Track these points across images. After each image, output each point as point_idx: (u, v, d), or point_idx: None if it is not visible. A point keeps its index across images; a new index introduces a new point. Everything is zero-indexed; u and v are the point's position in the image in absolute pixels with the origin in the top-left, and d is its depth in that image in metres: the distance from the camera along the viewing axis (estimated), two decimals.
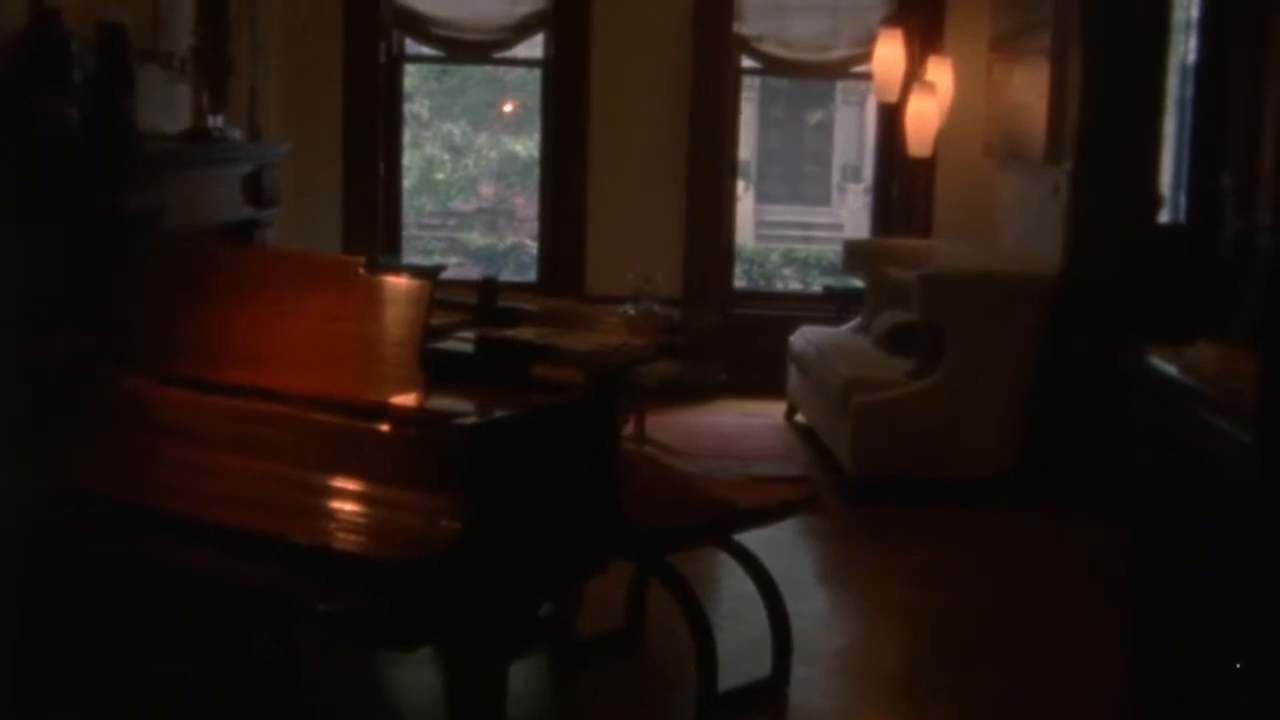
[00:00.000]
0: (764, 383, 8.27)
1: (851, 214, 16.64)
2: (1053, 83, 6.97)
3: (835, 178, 17.90)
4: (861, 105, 17.02)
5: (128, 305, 3.39)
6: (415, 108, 13.43)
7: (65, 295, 3.56)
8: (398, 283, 3.20)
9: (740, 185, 15.96)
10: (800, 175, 18.41)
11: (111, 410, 3.23)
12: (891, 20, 8.37)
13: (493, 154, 13.55)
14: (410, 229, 13.04)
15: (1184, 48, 6.86)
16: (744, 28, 8.62)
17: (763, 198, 17.46)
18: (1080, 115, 6.60)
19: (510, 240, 12.59)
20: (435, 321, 3.43)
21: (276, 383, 3.13)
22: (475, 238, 12.79)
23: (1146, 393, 4.58)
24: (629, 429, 6.84)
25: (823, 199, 18.06)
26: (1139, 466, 4.78)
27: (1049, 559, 5.88)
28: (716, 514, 4.16)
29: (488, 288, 3.55)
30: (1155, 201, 6.49)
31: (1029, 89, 7.35)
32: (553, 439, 3.08)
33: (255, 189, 6.08)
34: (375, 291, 3.19)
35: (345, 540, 2.80)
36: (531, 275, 9.29)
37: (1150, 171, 6.46)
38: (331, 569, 2.78)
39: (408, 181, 12.55)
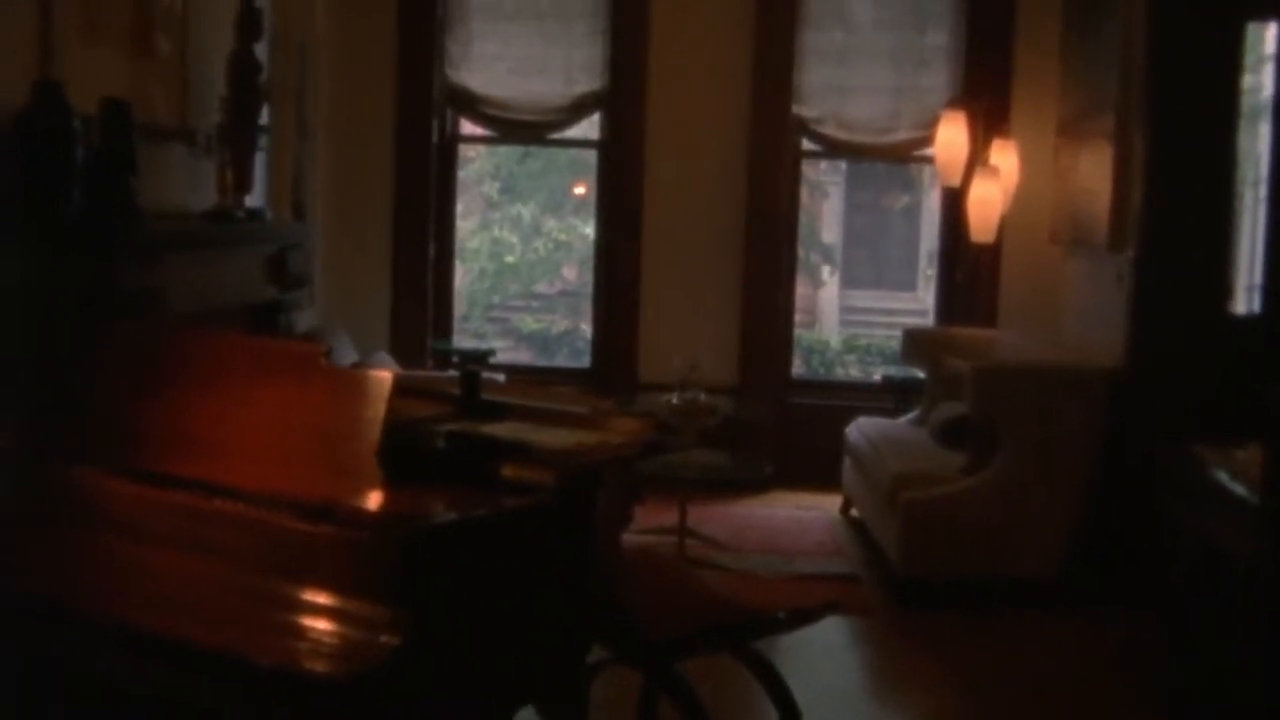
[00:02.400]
0: (820, 474, 8.00)
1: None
2: (1116, 166, 6.68)
3: (921, 263, 17.63)
4: None
5: (85, 390, 3.22)
6: (485, 190, 13.38)
7: (27, 381, 3.40)
8: (358, 375, 3.01)
9: (826, 270, 15.83)
10: (886, 260, 18.18)
11: (51, 502, 3.05)
12: (955, 102, 8.14)
13: (563, 236, 13.44)
14: (497, 311, 12.99)
15: (1257, 132, 6.60)
16: (803, 109, 8.42)
17: (848, 283, 17.23)
18: (1144, 200, 6.30)
19: (565, 325, 12.42)
20: (414, 415, 3.22)
21: (229, 477, 2.92)
22: (529, 322, 12.64)
23: (1190, 494, 4.30)
24: (667, 520, 6.58)
25: (909, 284, 17.79)
26: (1179, 568, 4.49)
27: (1102, 668, 5.55)
28: (728, 619, 3.89)
29: (470, 380, 3.33)
30: (1226, 291, 6.18)
31: (1093, 173, 7.07)
32: (514, 545, 2.84)
33: (280, 270, 5.93)
34: (335, 383, 2.98)
35: (268, 651, 2.57)
36: (585, 361, 9.08)
37: (1220, 259, 6.15)
38: (251, 683, 2.56)
39: (480, 264, 12.52)
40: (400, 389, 3.02)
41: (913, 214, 17.67)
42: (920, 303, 17.08)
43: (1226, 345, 6.16)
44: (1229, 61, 6.18)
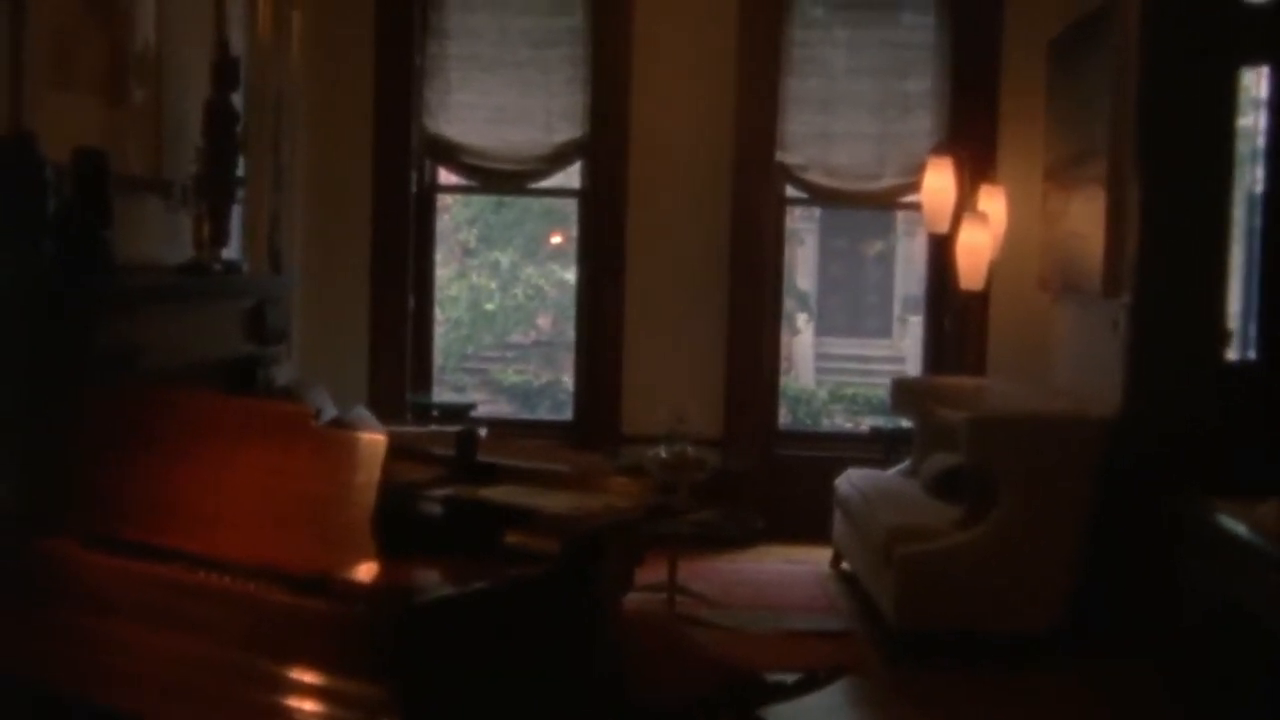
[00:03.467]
0: (809, 528, 7.83)
1: (912, 347, 16.29)
2: (1109, 212, 6.58)
3: (896, 309, 17.60)
4: (923, 235, 16.74)
5: (57, 455, 3.04)
6: (462, 237, 13.26)
7: None
8: (351, 438, 2.84)
9: (802, 318, 15.73)
10: (861, 307, 18.14)
11: (19, 576, 2.87)
12: (940, 148, 8.04)
13: (544, 283, 13.30)
14: (472, 361, 12.83)
15: (1250, 178, 6.52)
16: (787, 156, 8.31)
17: (823, 330, 17.17)
18: (1140, 245, 6.19)
19: (546, 377, 12.26)
20: (406, 479, 3.06)
21: (212, 547, 2.76)
22: (510, 374, 12.48)
23: (1206, 549, 4.17)
24: (656, 577, 6.41)
25: (884, 331, 17.76)
26: (1190, 623, 4.35)
27: None
28: (734, 685, 3.73)
29: (466, 440, 3.17)
30: (1223, 337, 6.07)
31: (1085, 218, 6.97)
32: (517, 618, 2.68)
33: (258, 324, 5.76)
34: (325, 447, 2.82)
35: None
36: (568, 413, 8.91)
37: (1217, 305, 6.04)
38: None
39: (457, 313, 12.36)
40: (393, 450, 2.86)
41: (887, 260, 17.65)
42: (896, 349, 17.06)
43: (1224, 393, 6.04)
44: (1223, 105, 6.08)
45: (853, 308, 18.17)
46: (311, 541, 2.71)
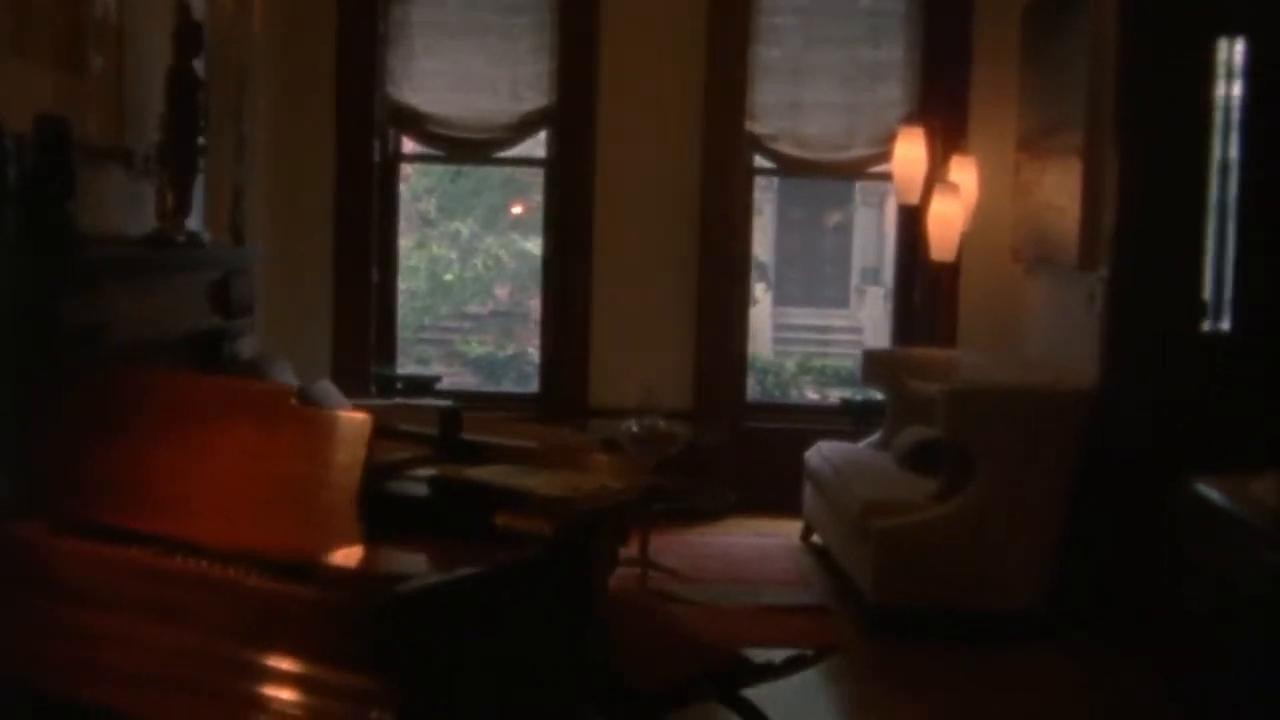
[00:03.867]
0: (778, 500, 7.77)
1: (871, 317, 16.31)
2: (1086, 183, 6.51)
3: (854, 280, 17.58)
4: (881, 206, 16.77)
5: (28, 437, 2.92)
6: (422, 207, 13.10)
7: None
8: (335, 418, 2.73)
9: (760, 288, 15.66)
10: (819, 278, 18.10)
11: None
12: (912, 118, 7.96)
13: (504, 254, 13.17)
14: (427, 332, 12.68)
15: (1219, 149, 6.45)
16: (757, 126, 8.21)
17: (780, 300, 17.11)
18: (1117, 217, 6.13)
19: (511, 349, 12.14)
20: (389, 457, 2.96)
21: (192, 532, 2.65)
22: (475, 346, 12.34)
23: (1201, 529, 4.11)
24: (632, 551, 6.32)
25: (841, 302, 17.73)
26: (1191, 606, 4.30)
27: (1083, 705, 5.35)
28: (720, 666, 3.65)
29: (450, 418, 3.07)
30: (1202, 308, 6.02)
31: (1060, 190, 6.90)
32: (510, 602, 2.59)
33: (223, 297, 5.63)
34: (309, 427, 2.72)
35: None
36: (533, 386, 8.81)
37: (1194, 276, 5.99)
38: None
39: (415, 283, 12.20)
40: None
41: (845, 231, 17.61)
42: (854, 319, 17.02)
43: (1202, 364, 5.99)
44: (1201, 76, 6.02)
45: (810, 278, 18.11)
46: (294, 525, 2.61)
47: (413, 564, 2.53)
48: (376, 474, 2.74)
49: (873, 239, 17.29)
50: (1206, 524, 3.85)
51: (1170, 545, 4.48)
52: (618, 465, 2.95)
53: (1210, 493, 3.84)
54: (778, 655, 3.79)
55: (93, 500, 2.80)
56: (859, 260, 17.53)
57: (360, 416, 2.66)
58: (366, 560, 2.52)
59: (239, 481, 2.71)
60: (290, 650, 2.45)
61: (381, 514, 2.67)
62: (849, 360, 11.15)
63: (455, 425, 3.07)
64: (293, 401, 2.76)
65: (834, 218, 17.90)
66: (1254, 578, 3.50)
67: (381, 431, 3.07)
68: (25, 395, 3.19)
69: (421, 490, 2.81)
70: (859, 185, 15.16)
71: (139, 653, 2.57)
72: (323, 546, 2.54)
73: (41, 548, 2.75)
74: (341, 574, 2.48)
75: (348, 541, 2.55)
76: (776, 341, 16.00)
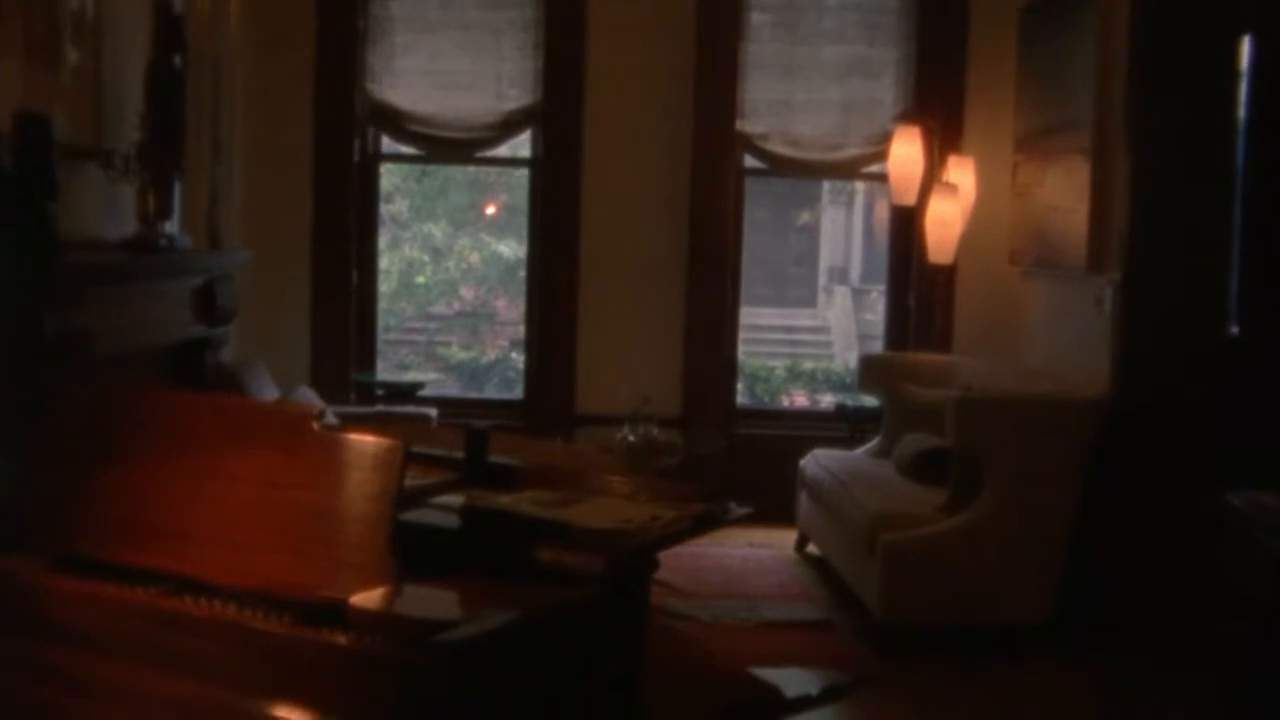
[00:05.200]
0: (771, 509, 7.49)
1: (838, 316, 16.18)
2: (1094, 184, 6.33)
3: (822, 279, 17.46)
4: (849, 206, 16.64)
5: (17, 461, 2.67)
6: (394, 208, 12.86)
7: None
8: (362, 443, 2.48)
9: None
10: (786, 277, 17.95)
11: None
12: (907, 117, 7.76)
13: (474, 256, 12.94)
14: (392, 334, 12.42)
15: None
16: (748, 125, 7.99)
17: (747, 300, 16.93)
18: (1131, 219, 5.94)
19: (494, 353, 11.89)
20: (410, 482, 2.72)
21: (202, 570, 2.41)
22: (456, 350, 12.09)
23: (1248, 543, 3.92)
24: None
25: (809, 301, 17.59)
26: (1240, 625, 4.12)
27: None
28: (756, 699, 3.43)
29: (477, 440, 2.83)
30: (1222, 313, 5.83)
31: (1064, 191, 6.71)
32: (562, 649, 2.36)
33: (207, 304, 5.37)
34: (333, 453, 2.47)
35: None
36: (518, 392, 8.56)
37: (1216, 279, 5.81)
38: None
39: (386, 286, 11.94)
40: None
41: (812, 231, 17.47)
42: (820, 318, 16.89)
43: (1224, 371, 5.80)
44: (1224, 74, 5.83)
45: (777, 277, 17.96)
46: (319, 562, 2.37)
47: (452, 607, 2.29)
48: (403, 501, 2.50)
49: (841, 239, 17.18)
50: (1243, 538, 3.68)
51: (1201, 559, 4.31)
52: (663, 491, 2.72)
53: (1246, 505, 3.67)
54: (813, 685, 3.58)
55: (89, 533, 2.56)
56: (826, 260, 17.41)
57: (390, 442, 2.42)
58: (402, 603, 2.28)
59: (255, 513, 2.47)
60: (314, 706, 2.21)
61: (404, 547, 2.43)
62: (822, 363, 10.98)
63: (483, 447, 2.83)
64: (315, 425, 2.52)
65: (801, 217, 17.76)
66: None
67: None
68: (7, 413, 2.93)
69: (450, 521, 2.58)
70: (826, 184, 14.99)
71: (140, 706, 2.32)
72: (351, 587, 2.30)
73: (31, 586, 2.49)
74: (376, 619, 2.24)
75: (379, 581, 2.31)
76: (744, 342, 15.84)
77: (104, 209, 5.14)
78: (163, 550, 2.48)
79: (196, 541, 2.48)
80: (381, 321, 12.09)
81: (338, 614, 2.26)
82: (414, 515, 2.58)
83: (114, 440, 2.63)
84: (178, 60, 5.40)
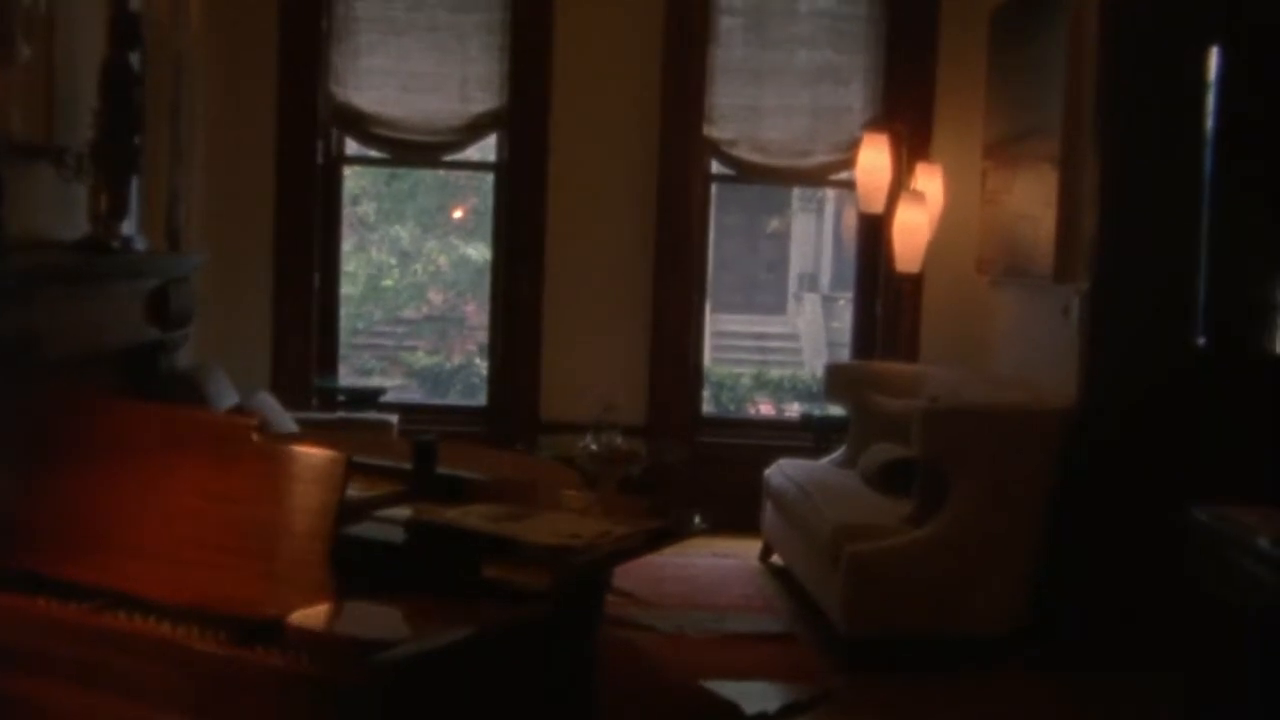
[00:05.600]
0: (736, 518, 7.44)
1: (808, 323, 16.14)
2: (1062, 192, 6.28)
3: (792, 287, 17.41)
4: (819, 212, 16.59)
5: None
6: (361, 210, 12.75)
7: None
8: (304, 455, 2.39)
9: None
10: (755, 284, 17.90)
11: None
12: (875, 124, 7.71)
13: (442, 259, 12.83)
14: (360, 337, 12.30)
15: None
16: (715, 130, 7.92)
17: (717, 306, 16.89)
18: (1099, 227, 5.89)
19: (458, 359, 11.78)
20: (356, 494, 2.63)
21: (135, 584, 2.32)
22: (420, 356, 11.98)
23: (1216, 558, 3.87)
24: None
25: (778, 308, 17.54)
26: (1205, 639, 4.06)
27: None
28: (715, 716, 3.35)
29: (425, 452, 2.75)
30: (1190, 323, 5.78)
31: (1033, 199, 6.66)
32: (508, 668, 2.27)
33: (161, 307, 5.26)
34: (273, 465, 2.39)
35: None
36: (481, 398, 8.48)
37: (1184, 289, 5.76)
38: None
39: (353, 289, 11.83)
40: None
41: (781, 237, 17.43)
42: (790, 326, 16.84)
43: (1192, 381, 5.75)
44: (1192, 84, 5.79)
45: (747, 284, 17.91)
46: (257, 579, 2.28)
47: (393, 625, 2.21)
48: (345, 515, 2.42)
49: (811, 246, 17.12)
50: (1230, 554, 3.62)
51: (1170, 570, 4.26)
52: (617, 505, 2.64)
53: (1233, 522, 3.62)
54: (772, 701, 3.51)
55: (21, 545, 2.46)
56: (797, 267, 17.37)
57: (332, 454, 2.34)
58: (340, 621, 2.20)
59: (192, 526, 2.38)
60: None
61: (346, 562, 2.35)
62: (792, 371, 10.89)
63: (430, 458, 2.74)
64: (254, 436, 2.43)
65: (771, 224, 17.73)
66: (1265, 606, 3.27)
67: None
68: None
69: (395, 535, 2.49)
70: (797, 191, 14.93)
71: None
72: (289, 604, 2.22)
73: None
74: (312, 638, 2.15)
75: (318, 598, 2.23)
76: (714, 349, 15.81)
77: (57, 209, 5.02)
78: (97, 564, 2.39)
79: (132, 555, 2.39)
80: (348, 325, 12.02)
81: (274, 632, 2.18)
82: (358, 529, 2.49)
83: (49, 449, 2.54)
84: (134, 57, 5.29)
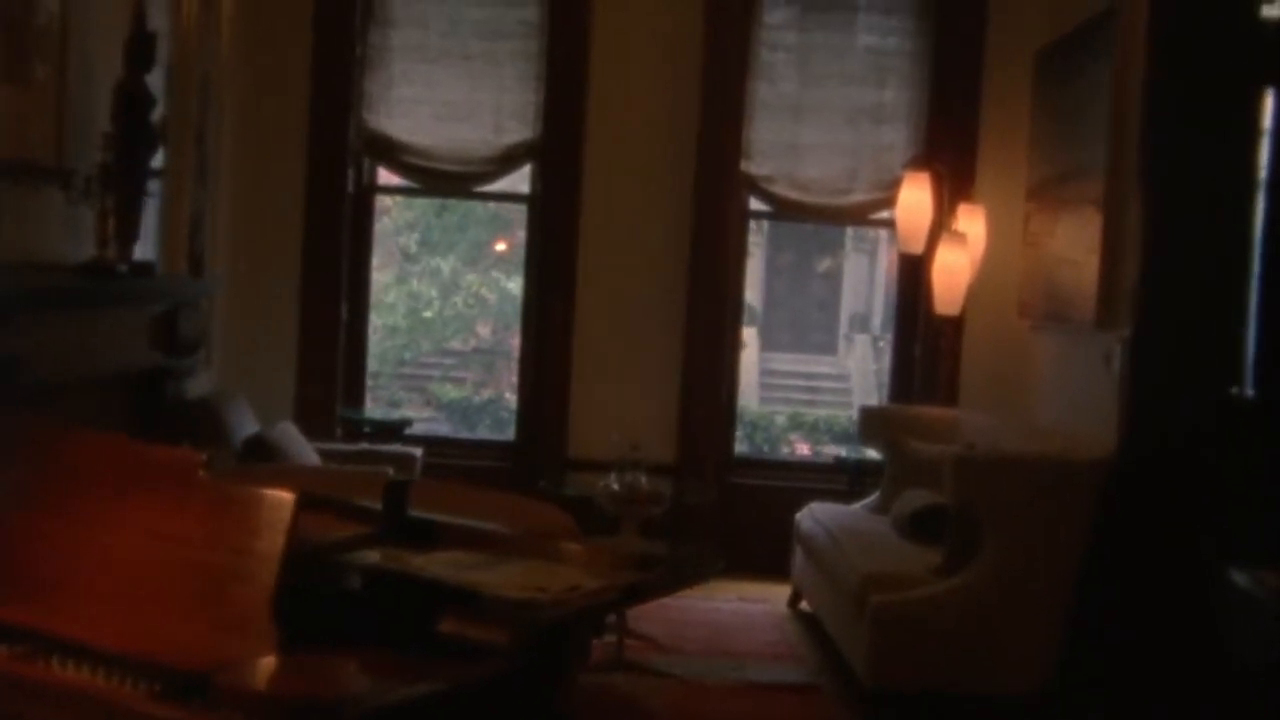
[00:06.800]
0: (765, 562, 7.27)
1: (858, 364, 15.97)
2: (1106, 236, 6.08)
3: (843, 327, 17.25)
4: (872, 253, 16.45)
5: None
6: (403, 241, 12.70)
7: None
8: (250, 495, 2.24)
9: (749, 332, 15.26)
10: (807, 323, 17.75)
11: None
12: (917, 162, 7.52)
13: (484, 291, 12.75)
14: (407, 368, 12.23)
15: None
16: (753, 166, 7.75)
17: (767, 345, 16.77)
18: (1142, 274, 5.68)
19: (488, 394, 11.67)
20: (320, 540, 2.47)
21: (73, 628, 2.17)
22: (450, 390, 11.87)
23: (1252, 623, 3.67)
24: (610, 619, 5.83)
25: (829, 348, 17.38)
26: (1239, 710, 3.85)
27: None
28: None
29: (395, 493, 2.59)
30: (1236, 374, 5.56)
31: (1076, 243, 6.46)
32: None
33: (168, 332, 5.14)
34: (220, 506, 2.23)
35: None
36: (509, 433, 8.33)
37: (1229, 339, 5.54)
38: None
39: (391, 320, 11.75)
40: (304, 503, 2.26)
41: (834, 277, 17.28)
42: (840, 366, 16.66)
43: (1236, 434, 5.53)
44: (1241, 127, 5.58)
45: (798, 324, 17.76)
46: (199, 626, 2.13)
47: (339, 682, 2.04)
48: (301, 560, 2.26)
49: (863, 286, 16.96)
50: (1251, 619, 3.42)
51: (1205, 628, 4.06)
52: (593, 556, 2.47)
53: (1253, 586, 3.42)
54: None
55: None
56: (848, 307, 17.20)
57: (280, 495, 2.18)
58: (279, 676, 2.04)
59: (137, 567, 2.23)
60: None
61: (304, 612, 2.19)
62: (841, 411, 10.70)
63: (401, 500, 2.59)
64: (202, 473, 2.27)
65: (824, 263, 17.59)
66: None
67: (316, 503, 2.59)
68: None
69: (353, 582, 2.33)
70: (850, 231, 14.79)
71: None
72: (229, 655, 2.06)
73: None
74: (239, 696, 1.99)
75: (260, 649, 2.07)
76: (763, 388, 15.67)
77: (66, 231, 4.93)
78: (35, 605, 2.24)
79: (73, 596, 2.24)
80: (395, 355, 11.94)
81: (212, 686, 2.02)
82: (316, 575, 2.33)
83: None
84: (152, 78, 5.19)
